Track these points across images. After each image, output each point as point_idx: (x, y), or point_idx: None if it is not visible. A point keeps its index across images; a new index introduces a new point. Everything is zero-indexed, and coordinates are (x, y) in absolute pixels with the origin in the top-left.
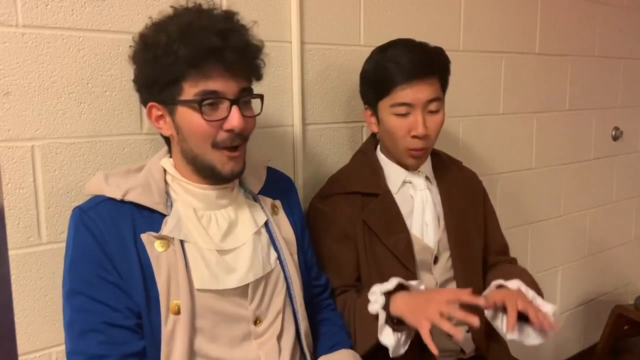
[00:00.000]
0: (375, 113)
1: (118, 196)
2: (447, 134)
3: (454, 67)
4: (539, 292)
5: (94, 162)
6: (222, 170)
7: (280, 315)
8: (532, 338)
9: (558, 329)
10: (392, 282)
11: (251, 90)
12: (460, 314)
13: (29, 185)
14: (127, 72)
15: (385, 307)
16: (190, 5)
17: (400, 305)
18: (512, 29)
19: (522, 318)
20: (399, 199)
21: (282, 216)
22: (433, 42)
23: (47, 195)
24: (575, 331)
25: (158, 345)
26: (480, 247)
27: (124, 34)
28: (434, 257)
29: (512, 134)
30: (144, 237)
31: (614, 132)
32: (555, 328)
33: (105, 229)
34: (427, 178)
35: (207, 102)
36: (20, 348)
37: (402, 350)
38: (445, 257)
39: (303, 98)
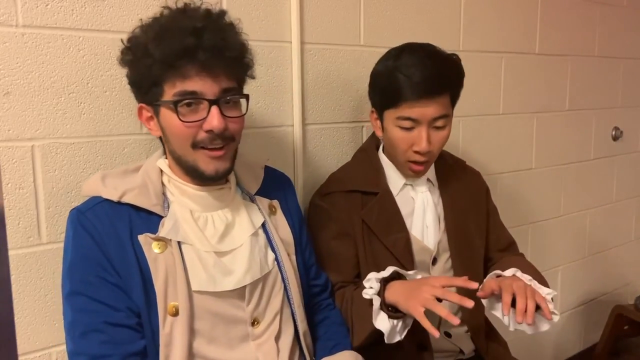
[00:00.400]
0: (380, 118)
1: (115, 198)
2: None
3: None
4: (543, 281)
5: (94, 162)
6: (205, 170)
7: (278, 317)
8: (536, 326)
9: (549, 317)
10: (389, 270)
11: (236, 90)
12: (455, 297)
13: (29, 185)
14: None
15: (381, 294)
16: (180, 5)
17: (395, 293)
18: (512, 29)
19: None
20: (399, 199)
21: (280, 216)
22: (433, 42)
23: (47, 195)
24: (575, 331)
25: (158, 347)
26: (481, 247)
27: (124, 34)
28: (432, 258)
29: (512, 134)
30: (142, 238)
31: (614, 132)
32: (552, 314)
33: (103, 230)
34: (428, 180)
35: (183, 103)
36: (20, 348)
37: (398, 337)
38: (444, 258)
39: (303, 98)
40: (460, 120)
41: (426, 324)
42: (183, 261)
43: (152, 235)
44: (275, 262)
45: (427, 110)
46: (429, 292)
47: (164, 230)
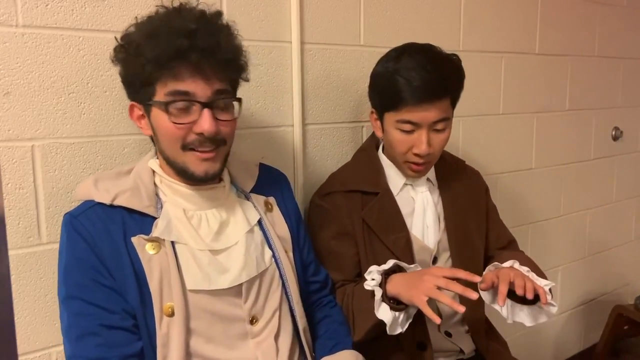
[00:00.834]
0: (380, 119)
1: (107, 201)
2: None
3: None
4: (542, 275)
5: (94, 162)
6: (195, 171)
7: (277, 314)
8: (534, 317)
9: (545, 301)
10: (390, 263)
11: (229, 92)
12: (459, 288)
13: (29, 185)
14: None
15: (382, 287)
16: (175, 5)
17: (397, 284)
18: (512, 29)
19: (525, 302)
20: (400, 199)
21: (276, 213)
22: (433, 42)
23: (47, 195)
24: (575, 331)
25: (155, 348)
26: (481, 246)
27: None
28: (432, 257)
29: (512, 134)
30: (135, 240)
31: (614, 132)
32: (549, 304)
33: (96, 234)
34: (428, 180)
35: (175, 104)
36: (20, 348)
37: (400, 329)
38: (444, 257)
39: (303, 98)
40: (460, 120)
41: (428, 311)
42: (177, 261)
43: (146, 237)
44: (273, 259)
45: (427, 114)
46: (431, 282)
47: (157, 230)
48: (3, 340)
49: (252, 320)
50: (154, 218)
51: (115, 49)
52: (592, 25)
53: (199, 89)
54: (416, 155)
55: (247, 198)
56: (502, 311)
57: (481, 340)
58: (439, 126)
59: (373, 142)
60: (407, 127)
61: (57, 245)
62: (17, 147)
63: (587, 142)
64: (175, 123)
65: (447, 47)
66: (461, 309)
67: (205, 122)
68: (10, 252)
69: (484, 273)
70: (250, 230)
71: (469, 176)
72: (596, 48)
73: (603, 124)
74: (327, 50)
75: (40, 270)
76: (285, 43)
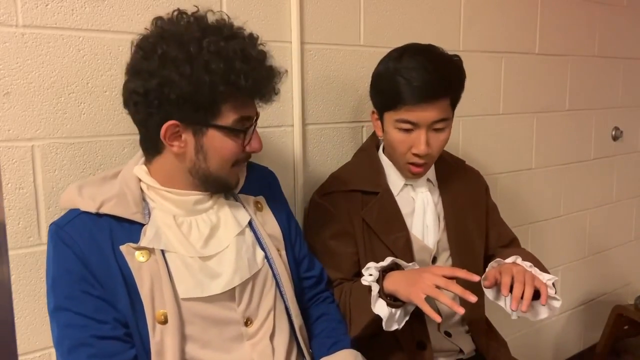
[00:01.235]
0: (381, 119)
1: (93, 210)
2: None
3: None
4: (544, 270)
5: (94, 162)
6: (232, 182)
7: (272, 314)
8: (537, 313)
9: (543, 302)
10: (388, 260)
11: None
12: (458, 289)
13: (29, 185)
14: None
15: (380, 283)
16: (216, 18)
17: (395, 281)
18: (512, 29)
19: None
20: (400, 199)
21: (266, 212)
22: (433, 42)
23: (47, 195)
24: (575, 331)
25: (149, 355)
26: (481, 246)
27: (124, 34)
28: (432, 257)
29: (512, 134)
30: (124, 248)
31: (614, 132)
32: (550, 299)
33: (83, 244)
34: (428, 180)
35: (249, 129)
36: (20, 348)
37: (396, 326)
38: (444, 257)
39: (303, 98)
40: (460, 120)
41: (427, 309)
42: (168, 268)
43: (134, 245)
44: (265, 260)
45: (426, 114)
46: (430, 280)
47: (145, 239)
48: (3, 340)
49: (247, 322)
50: (142, 224)
51: (162, 54)
52: (592, 25)
53: (254, 111)
54: (415, 155)
55: (236, 199)
56: (507, 307)
57: (481, 340)
58: (438, 126)
59: (373, 142)
60: (406, 126)
61: None
62: (17, 147)
63: (587, 142)
64: (243, 145)
65: (447, 47)
66: (461, 310)
67: (258, 142)
68: (10, 252)
69: (486, 270)
70: (241, 232)
71: (469, 176)
72: (596, 48)
73: (603, 124)
74: (327, 50)
75: (40, 270)
76: (285, 43)
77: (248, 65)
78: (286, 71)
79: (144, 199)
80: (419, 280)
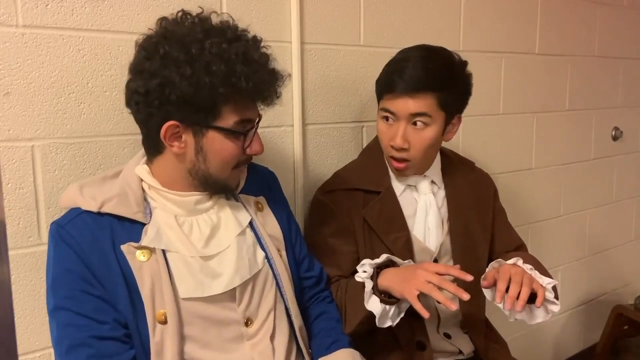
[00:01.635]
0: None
1: (94, 209)
2: None
3: None
4: (546, 274)
5: (94, 162)
6: (232, 184)
7: (272, 314)
8: (534, 316)
9: (538, 305)
10: (382, 257)
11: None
12: (451, 287)
13: (29, 185)
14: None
15: (374, 279)
16: (221, 19)
17: (388, 278)
18: (512, 29)
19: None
20: (402, 200)
21: (267, 212)
22: (433, 42)
23: (47, 195)
24: (575, 331)
25: (148, 356)
26: (485, 250)
27: (124, 34)
28: (433, 259)
29: (512, 134)
30: (124, 248)
31: (614, 132)
32: (548, 302)
33: (84, 243)
34: (433, 182)
35: (250, 132)
36: (20, 348)
37: (390, 323)
38: (446, 260)
39: (303, 98)
40: None
41: (418, 305)
42: (169, 268)
43: (135, 244)
44: (266, 260)
45: (405, 105)
46: (424, 277)
47: (146, 239)
48: (3, 340)
49: (247, 322)
50: (144, 224)
51: (163, 55)
52: (592, 25)
53: (255, 114)
54: (392, 147)
55: (237, 199)
56: (503, 308)
57: (480, 341)
58: (418, 120)
59: (378, 141)
60: (387, 115)
61: None
62: (17, 147)
63: (587, 142)
64: (243, 147)
65: (447, 47)
66: (453, 306)
67: (259, 145)
68: (10, 252)
69: (486, 270)
70: (242, 232)
71: (477, 178)
72: (596, 48)
73: (603, 124)
74: (327, 50)
75: (40, 270)
76: (285, 43)
77: (249, 67)
78: (289, 75)
79: (145, 199)
80: (412, 276)
